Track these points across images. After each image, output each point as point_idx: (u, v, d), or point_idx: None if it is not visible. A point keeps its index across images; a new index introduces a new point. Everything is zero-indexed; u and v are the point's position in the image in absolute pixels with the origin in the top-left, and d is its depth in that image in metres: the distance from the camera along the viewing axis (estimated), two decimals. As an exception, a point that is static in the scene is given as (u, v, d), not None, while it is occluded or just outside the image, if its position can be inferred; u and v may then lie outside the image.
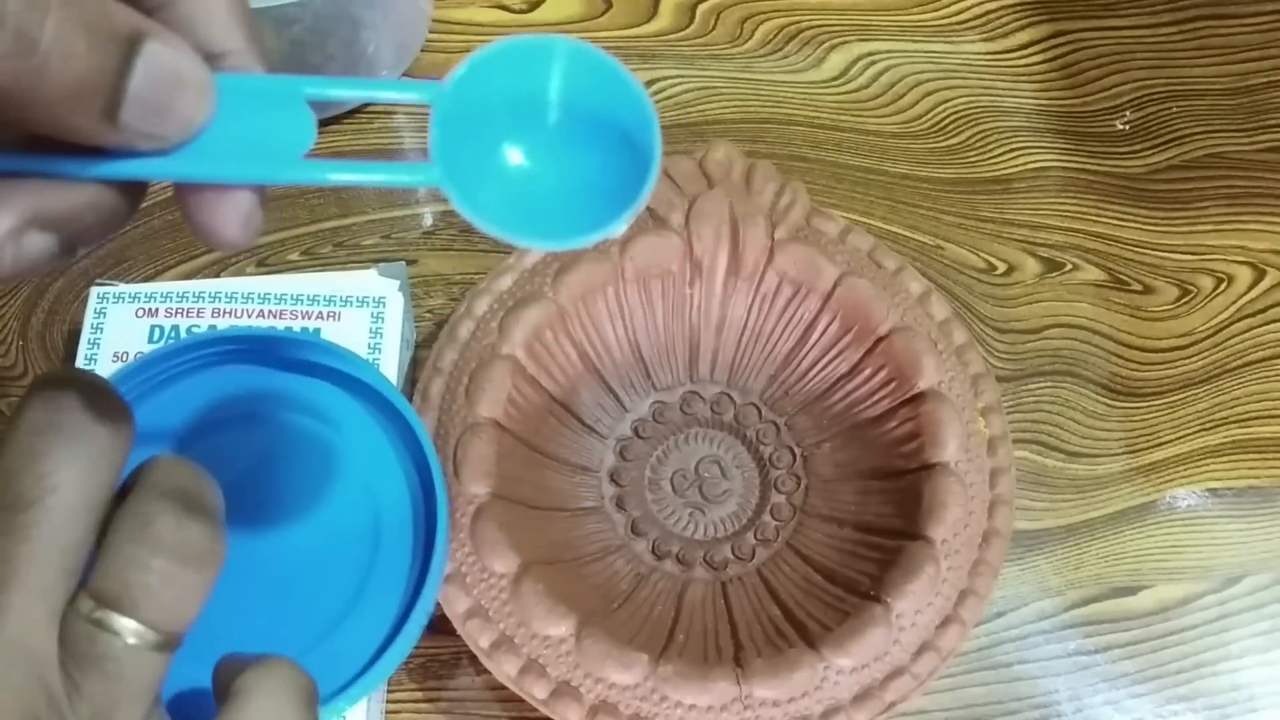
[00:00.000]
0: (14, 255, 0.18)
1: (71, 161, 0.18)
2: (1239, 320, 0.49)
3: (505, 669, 0.35)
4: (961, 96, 0.53)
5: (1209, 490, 0.45)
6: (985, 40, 0.54)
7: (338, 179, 0.20)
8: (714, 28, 0.54)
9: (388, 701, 0.40)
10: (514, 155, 0.21)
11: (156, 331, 0.41)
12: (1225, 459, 0.46)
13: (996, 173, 0.51)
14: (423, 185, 0.21)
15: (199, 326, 0.42)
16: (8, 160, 0.18)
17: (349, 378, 0.37)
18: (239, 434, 0.37)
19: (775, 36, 0.54)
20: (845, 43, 0.54)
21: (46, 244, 0.19)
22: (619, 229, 0.20)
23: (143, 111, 0.18)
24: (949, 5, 0.55)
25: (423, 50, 0.52)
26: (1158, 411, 0.47)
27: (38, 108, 0.17)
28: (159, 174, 0.19)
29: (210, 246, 0.21)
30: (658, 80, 0.52)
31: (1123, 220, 0.50)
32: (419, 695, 0.40)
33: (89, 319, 0.41)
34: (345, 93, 0.20)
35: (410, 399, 0.39)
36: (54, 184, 0.19)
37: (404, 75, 0.51)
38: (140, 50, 0.18)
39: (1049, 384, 0.47)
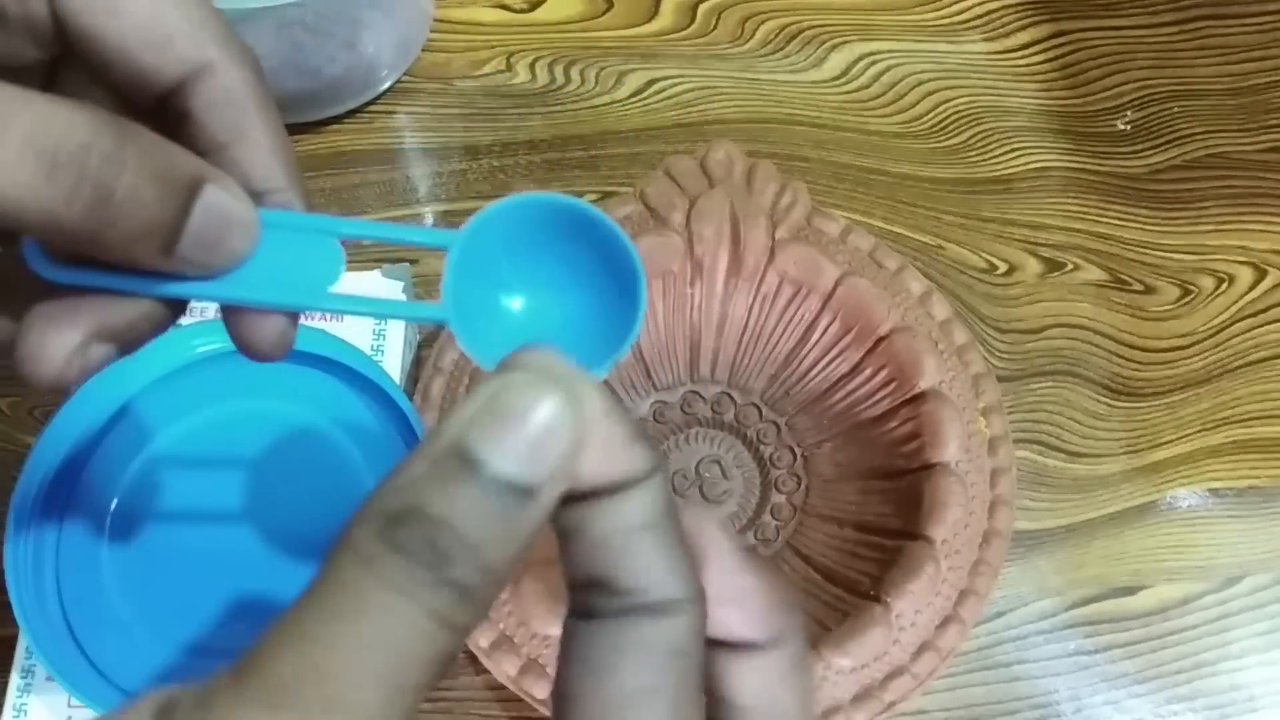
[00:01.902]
0: (80, 365, 0.20)
1: (129, 279, 0.21)
2: (1240, 320, 0.49)
3: (505, 669, 0.35)
4: (963, 96, 0.53)
5: (1209, 490, 0.45)
6: (987, 40, 0.54)
7: (361, 312, 0.23)
8: (715, 27, 0.54)
9: (388, 701, 0.40)
10: (515, 298, 0.23)
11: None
12: (1226, 459, 0.46)
13: (998, 173, 0.51)
14: (433, 321, 0.23)
15: (200, 326, 0.42)
16: (74, 275, 0.20)
17: (353, 375, 0.37)
18: (241, 426, 0.37)
19: (776, 36, 0.54)
20: (846, 42, 0.54)
21: (107, 352, 0.21)
22: (602, 374, 0.22)
23: (196, 247, 0.20)
24: (950, 5, 0.55)
25: (423, 50, 0.52)
26: (1158, 411, 0.47)
27: (104, 243, 0.19)
28: (205, 295, 0.21)
29: (247, 357, 0.23)
30: (658, 80, 0.52)
31: (1124, 220, 0.50)
32: (419, 695, 0.40)
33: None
34: (374, 234, 0.23)
35: (412, 398, 0.39)
36: (113, 300, 0.21)
37: (405, 75, 0.51)
38: (199, 195, 0.20)
39: (1050, 384, 0.47)
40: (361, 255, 0.48)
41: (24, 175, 0.18)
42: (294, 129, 0.50)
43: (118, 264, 0.20)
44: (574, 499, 0.17)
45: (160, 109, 0.22)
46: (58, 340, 0.20)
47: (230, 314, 0.22)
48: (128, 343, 0.21)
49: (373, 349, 0.41)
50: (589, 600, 0.17)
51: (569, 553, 0.17)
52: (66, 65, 0.23)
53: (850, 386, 0.42)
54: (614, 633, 0.17)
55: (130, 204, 0.19)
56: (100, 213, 0.19)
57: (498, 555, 0.16)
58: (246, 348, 0.22)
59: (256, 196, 0.22)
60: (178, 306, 0.22)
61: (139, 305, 0.21)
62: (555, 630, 0.35)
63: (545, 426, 0.16)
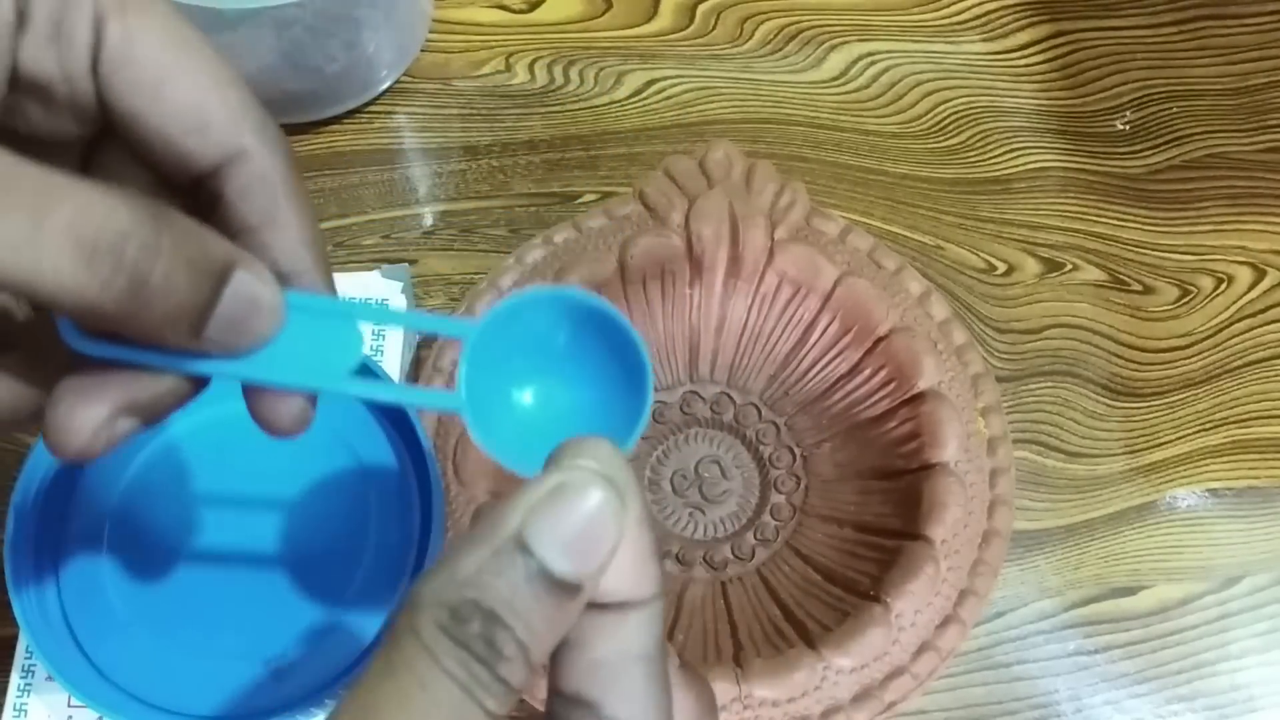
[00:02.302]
0: (107, 438, 0.21)
1: (156, 355, 0.21)
2: (1239, 320, 0.49)
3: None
4: (961, 97, 0.53)
5: (1209, 490, 0.45)
6: (985, 40, 0.54)
7: (379, 398, 0.24)
8: (714, 28, 0.54)
9: (388, 701, 0.40)
10: (526, 389, 0.24)
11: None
12: (1225, 459, 0.46)
13: (996, 173, 0.51)
14: (448, 410, 0.24)
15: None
16: (105, 349, 0.21)
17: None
18: (242, 427, 0.37)
19: (775, 36, 0.54)
20: (845, 43, 0.54)
21: (133, 425, 0.21)
22: None
23: (223, 330, 0.21)
24: (949, 5, 0.55)
25: (423, 50, 0.52)
26: (1158, 412, 0.47)
27: (136, 325, 0.20)
28: (228, 373, 0.22)
29: (266, 432, 0.23)
30: (658, 80, 0.52)
31: (1123, 220, 0.50)
32: (419, 695, 0.40)
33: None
34: (394, 321, 0.24)
35: (410, 399, 0.40)
36: (139, 374, 0.21)
37: (404, 75, 0.51)
38: (229, 280, 0.20)
39: (1049, 384, 0.47)
40: (361, 255, 0.48)
41: (64, 262, 0.18)
42: (293, 129, 0.50)
43: (146, 342, 0.21)
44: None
45: (195, 189, 0.23)
46: (86, 414, 0.21)
47: (251, 391, 0.23)
48: (152, 416, 0.22)
49: (372, 349, 0.41)
50: (570, 715, 0.19)
51: (562, 662, 0.19)
52: (106, 141, 0.23)
53: (849, 387, 0.42)
54: None
55: (163, 291, 0.19)
56: (134, 299, 0.19)
57: (541, 651, 0.18)
58: (266, 425, 0.23)
59: (283, 278, 0.22)
60: (201, 381, 0.23)
61: (165, 380, 0.22)
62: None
63: (599, 526, 0.18)
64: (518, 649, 0.17)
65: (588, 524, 0.18)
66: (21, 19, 0.21)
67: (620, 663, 0.19)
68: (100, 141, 0.23)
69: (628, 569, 0.19)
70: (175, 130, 0.22)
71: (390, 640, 0.18)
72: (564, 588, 0.18)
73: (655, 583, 0.19)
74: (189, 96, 0.22)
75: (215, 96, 0.22)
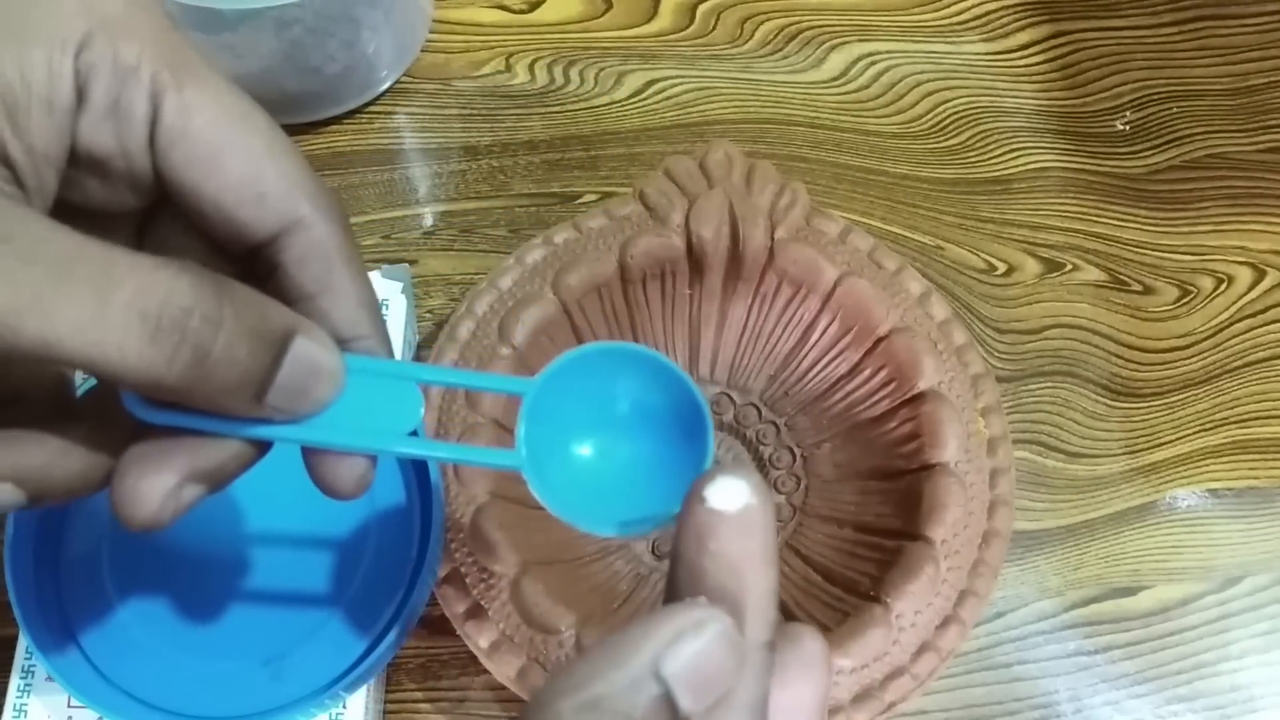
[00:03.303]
0: (174, 507, 0.21)
1: (219, 422, 0.22)
2: (1239, 321, 0.49)
3: (505, 669, 0.35)
4: (961, 97, 0.53)
5: (1209, 490, 0.45)
6: (985, 40, 0.54)
7: (440, 457, 0.26)
8: (714, 28, 0.54)
9: (387, 702, 0.40)
10: (585, 443, 0.24)
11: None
12: (1225, 459, 0.46)
13: (996, 173, 0.51)
14: (509, 468, 0.24)
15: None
16: (168, 418, 0.21)
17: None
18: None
19: (775, 37, 0.54)
20: (845, 43, 0.54)
21: (199, 492, 0.22)
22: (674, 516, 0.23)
23: (284, 396, 0.21)
24: (949, 5, 0.55)
25: (423, 50, 0.52)
26: (1158, 412, 0.47)
27: (198, 397, 0.20)
28: (290, 438, 0.22)
29: (327, 495, 0.24)
30: (658, 80, 0.52)
31: (1123, 220, 0.50)
32: (418, 695, 0.40)
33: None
34: (451, 381, 0.24)
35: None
36: (203, 441, 0.22)
37: (404, 75, 0.51)
38: (289, 347, 0.21)
39: (1049, 384, 0.47)
40: (361, 255, 0.48)
41: (130, 340, 0.19)
42: (294, 129, 0.50)
43: (209, 411, 0.21)
44: None
45: (250, 257, 0.23)
46: (153, 483, 0.21)
47: (312, 456, 0.23)
48: (218, 482, 0.22)
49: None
50: None
51: None
52: (161, 211, 0.24)
53: (849, 387, 0.42)
54: None
55: (225, 362, 0.20)
56: (198, 371, 0.20)
57: None
58: (327, 489, 0.23)
59: (342, 343, 0.23)
60: (265, 446, 0.23)
61: (229, 446, 0.22)
62: (555, 631, 0.35)
63: (726, 672, 0.19)
64: None
65: (718, 670, 0.19)
66: (80, 96, 0.21)
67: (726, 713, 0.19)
68: (156, 211, 0.24)
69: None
70: (232, 202, 0.22)
71: None
72: (681, 717, 0.19)
73: (769, 629, 0.20)
74: (245, 168, 0.22)
75: (271, 167, 0.22)
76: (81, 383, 0.29)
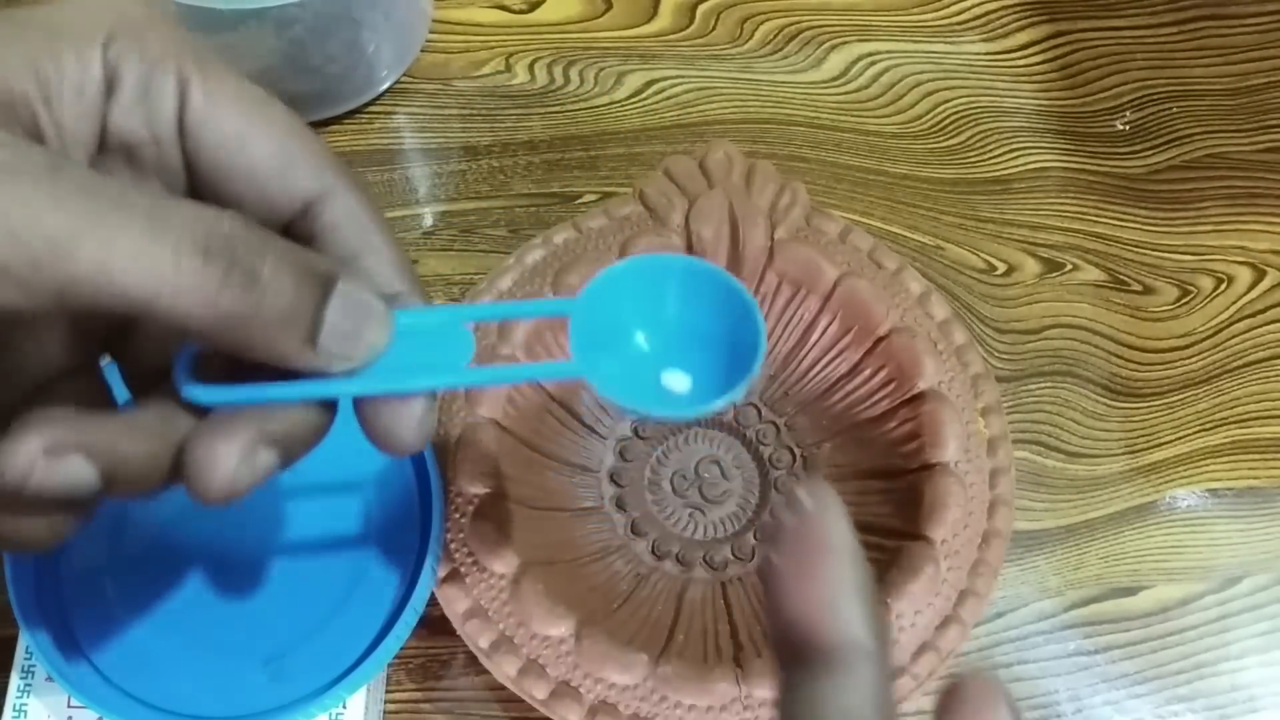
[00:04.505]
0: (250, 474, 0.22)
1: (276, 387, 0.22)
2: (1239, 320, 0.49)
3: (505, 669, 0.35)
4: (961, 97, 0.53)
5: (1209, 490, 0.45)
6: (985, 40, 0.54)
7: (499, 378, 0.27)
8: (714, 28, 0.54)
9: (387, 702, 0.40)
10: (638, 337, 0.25)
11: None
12: (1225, 459, 0.46)
13: (996, 173, 0.51)
14: (568, 378, 0.25)
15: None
16: (224, 393, 0.22)
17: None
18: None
19: (775, 37, 0.54)
20: (845, 43, 0.54)
21: (272, 459, 0.22)
22: (739, 397, 0.24)
23: (337, 337, 0.22)
24: (949, 5, 0.55)
25: (423, 50, 0.52)
26: (1158, 412, 0.47)
27: (253, 332, 0.21)
28: (349, 391, 0.23)
29: (388, 452, 0.24)
30: (658, 80, 0.52)
31: (1123, 220, 0.50)
32: (418, 695, 0.40)
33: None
34: (495, 314, 0.26)
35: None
36: (268, 409, 0.22)
37: (404, 75, 0.51)
38: (335, 288, 0.21)
39: (1049, 384, 0.47)
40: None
41: (184, 262, 0.19)
42: (293, 129, 0.50)
43: (265, 371, 0.22)
44: None
45: (284, 235, 0.23)
46: (226, 449, 0.21)
47: (369, 409, 0.23)
48: (290, 450, 0.23)
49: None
50: None
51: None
52: (194, 199, 0.24)
53: (849, 387, 0.42)
54: None
55: (274, 291, 0.20)
56: (248, 296, 0.20)
57: None
58: (388, 438, 0.24)
59: (385, 299, 0.23)
60: (329, 410, 0.23)
61: (294, 411, 0.23)
62: (555, 631, 0.35)
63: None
64: None
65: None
66: (110, 84, 0.23)
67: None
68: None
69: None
70: (264, 175, 0.23)
71: None
72: None
73: (865, 629, 0.19)
74: (272, 144, 0.23)
75: (296, 143, 0.24)
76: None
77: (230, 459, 0.21)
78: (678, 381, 0.25)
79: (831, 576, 0.19)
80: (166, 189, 0.24)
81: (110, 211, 0.19)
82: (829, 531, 0.20)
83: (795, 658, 0.19)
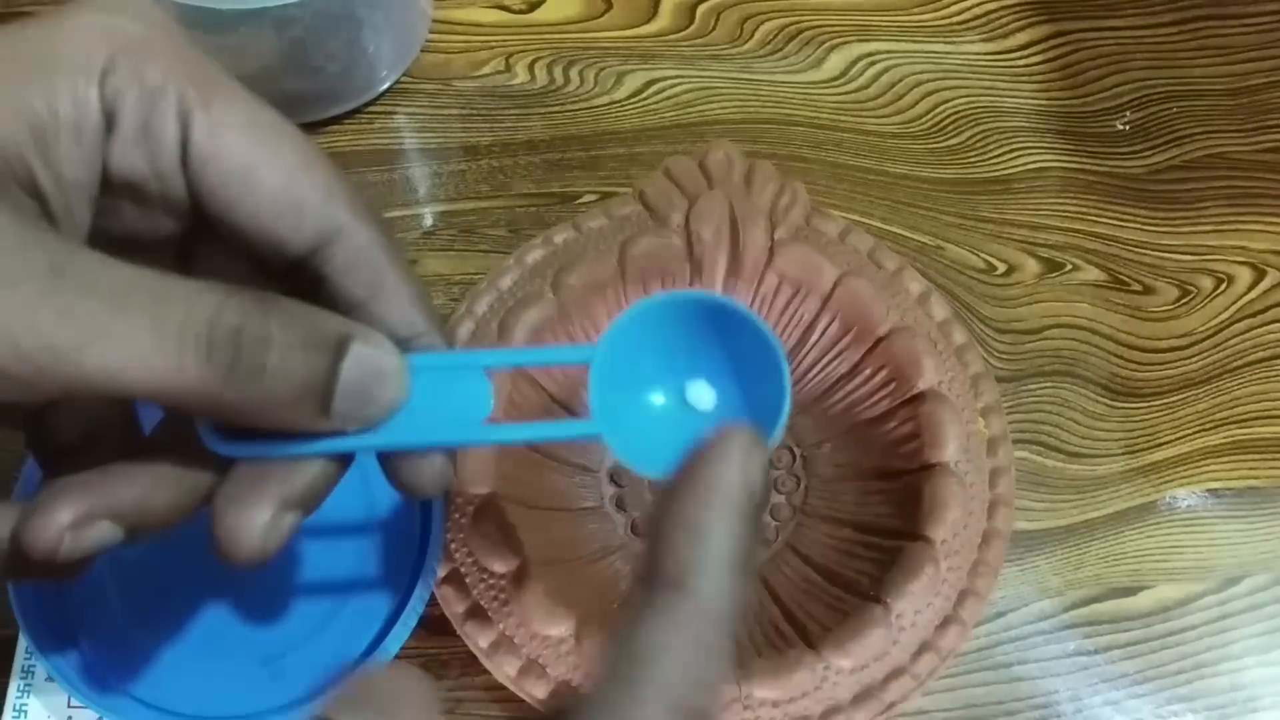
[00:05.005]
0: (276, 538, 0.22)
1: (297, 443, 0.22)
2: (1239, 320, 0.49)
3: (505, 669, 0.35)
4: (961, 97, 0.53)
5: (1209, 490, 0.45)
6: (985, 40, 0.54)
7: (515, 439, 0.26)
8: (714, 28, 0.54)
9: (388, 701, 0.40)
10: (659, 396, 0.24)
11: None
12: (1225, 459, 0.46)
13: (996, 173, 0.51)
14: (587, 437, 0.24)
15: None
16: (247, 448, 0.22)
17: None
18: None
19: (775, 37, 0.54)
20: (845, 43, 0.54)
21: (297, 519, 0.22)
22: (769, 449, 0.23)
23: (351, 402, 0.21)
24: (949, 5, 0.55)
25: (423, 50, 0.52)
26: (1158, 412, 0.47)
27: (262, 414, 0.20)
28: (367, 446, 0.22)
29: (409, 496, 0.24)
30: (657, 80, 0.52)
31: (1123, 220, 0.50)
32: (419, 695, 0.40)
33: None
34: (515, 361, 0.24)
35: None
36: (288, 466, 0.22)
37: (404, 75, 0.51)
38: (347, 352, 0.21)
39: (1049, 384, 0.47)
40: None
41: (187, 361, 0.19)
42: (293, 129, 0.50)
43: (284, 432, 0.21)
44: None
45: (293, 272, 0.23)
46: (251, 520, 0.21)
47: (389, 460, 0.23)
48: (311, 505, 0.22)
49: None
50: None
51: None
52: (200, 236, 0.23)
53: (849, 387, 0.42)
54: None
55: (281, 374, 0.20)
56: (255, 387, 0.20)
57: None
58: (410, 489, 0.23)
59: (402, 343, 0.23)
60: (345, 461, 0.23)
61: (313, 466, 0.22)
62: (555, 631, 0.35)
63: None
64: None
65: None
66: (109, 121, 0.21)
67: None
68: (194, 238, 0.24)
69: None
70: (271, 215, 0.22)
71: None
72: None
73: (698, 576, 0.20)
74: (280, 181, 0.22)
75: (306, 178, 0.22)
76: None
77: (259, 528, 0.21)
78: (703, 396, 0.24)
79: (688, 513, 0.20)
80: (172, 219, 0.23)
81: (114, 313, 0.19)
82: (718, 472, 0.20)
83: (637, 576, 0.20)
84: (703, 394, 0.24)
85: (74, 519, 0.21)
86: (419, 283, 0.24)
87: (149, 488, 0.22)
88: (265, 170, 0.22)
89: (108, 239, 0.22)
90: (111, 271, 0.19)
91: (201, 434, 0.22)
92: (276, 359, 0.20)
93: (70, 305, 0.19)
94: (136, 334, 0.19)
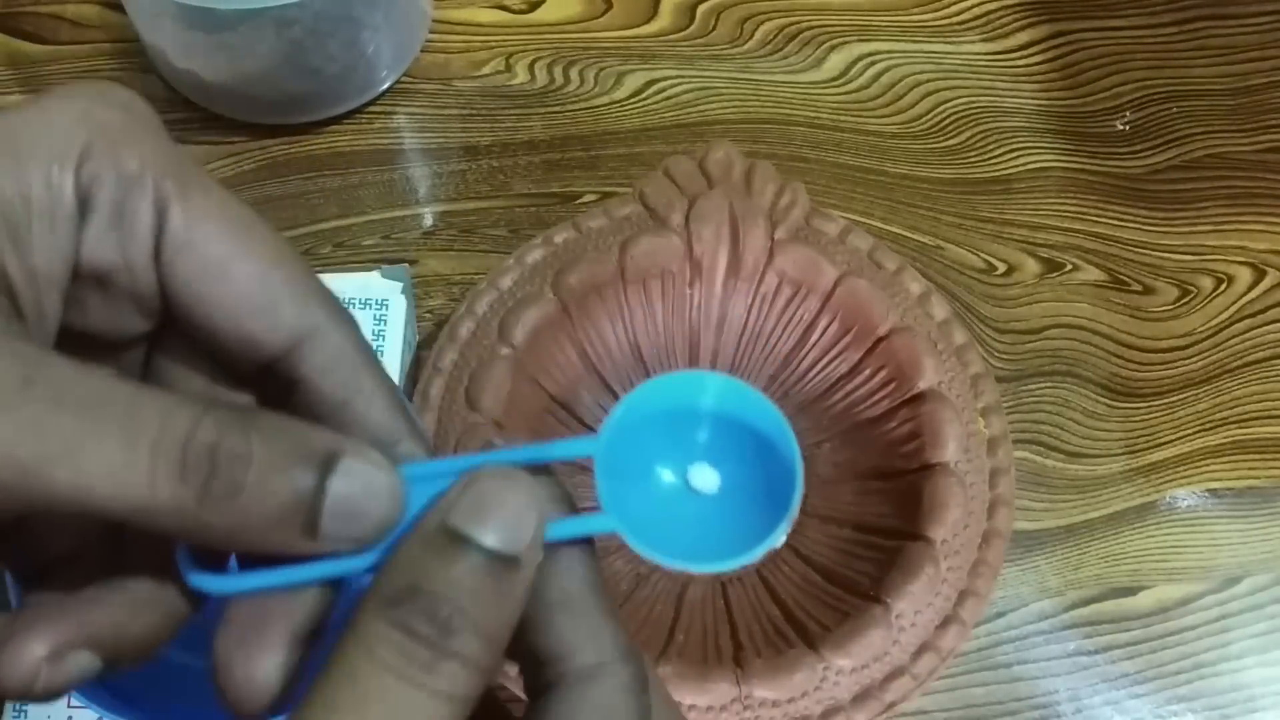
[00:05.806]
0: (281, 679, 0.21)
1: (283, 572, 0.20)
2: (1239, 320, 0.49)
3: (505, 669, 0.35)
4: (961, 97, 0.53)
5: (1209, 490, 0.45)
6: (985, 40, 0.54)
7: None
8: (714, 28, 0.54)
9: (388, 701, 0.40)
10: (669, 480, 0.23)
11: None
12: (1225, 459, 0.46)
13: (996, 173, 0.51)
14: (603, 532, 0.22)
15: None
16: (232, 582, 0.21)
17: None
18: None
19: (775, 37, 0.54)
20: (845, 43, 0.54)
21: (301, 651, 0.21)
22: (780, 540, 0.22)
23: (340, 521, 0.20)
24: (949, 5, 0.55)
25: (423, 50, 0.52)
26: (1158, 412, 0.47)
27: (242, 537, 0.19)
28: (362, 568, 0.21)
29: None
30: (658, 80, 0.52)
31: (1123, 220, 0.50)
32: (419, 695, 0.40)
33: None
34: (511, 459, 0.22)
35: (411, 399, 0.39)
36: (289, 600, 0.21)
37: (404, 75, 0.51)
38: (334, 469, 0.19)
39: (1049, 384, 0.47)
40: (361, 255, 0.48)
41: (159, 480, 0.18)
42: (293, 129, 0.50)
43: (272, 558, 0.20)
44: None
45: (262, 375, 0.22)
46: (256, 669, 0.21)
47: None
48: (316, 630, 0.21)
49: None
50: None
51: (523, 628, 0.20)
52: (165, 342, 0.22)
53: (849, 387, 0.42)
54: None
55: (260, 495, 0.19)
56: (233, 507, 0.19)
57: (494, 621, 0.19)
58: None
59: (380, 449, 0.21)
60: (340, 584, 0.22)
61: (308, 595, 0.21)
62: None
63: (520, 507, 0.19)
64: (465, 619, 0.18)
65: (508, 508, 0.19)
66: (84, 208, 0.20)
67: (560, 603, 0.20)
68: (159, 341, 0.23)
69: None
70: (245, 312, 0.21)
71: (333, 653, 0.19)
72: (501, 559, 0.19)
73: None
74: (255, 276, 0.21)
75: (280, 275, 0.21)
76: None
77: (276, 674, 0.21)
78: (707, 479, 0.23)
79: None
80: (141, 315, 0.22)
81: (84, 428, 0.18)
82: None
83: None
84: (706, 477, 0.23)
85: (50, 650, 0.20)
86: (395, 387, 0.23)
87: (125, 614, 0.21)
88: (240, 264, 0.21)
89: (74, 337, 0.21)
90: (84, 382, 0.18)
91: (180, 563, 0.21)
92: (255, 477, 0.19)
93: (39, 418, 0.18)
94: (107, 451, 0.18)
